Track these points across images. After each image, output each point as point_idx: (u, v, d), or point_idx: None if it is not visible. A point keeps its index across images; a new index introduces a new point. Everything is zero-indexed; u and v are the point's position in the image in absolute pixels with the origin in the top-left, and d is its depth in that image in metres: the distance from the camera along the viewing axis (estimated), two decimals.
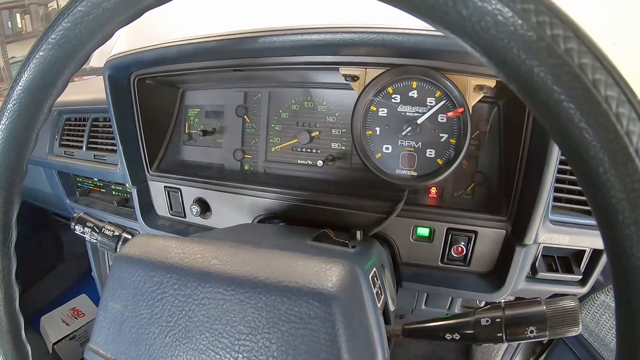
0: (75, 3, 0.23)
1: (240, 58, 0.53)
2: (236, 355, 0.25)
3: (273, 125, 0.63)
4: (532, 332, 0.31)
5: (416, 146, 0.47)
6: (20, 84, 0.25)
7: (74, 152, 0.83)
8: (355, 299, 0.26)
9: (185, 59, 0.56)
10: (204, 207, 0.62)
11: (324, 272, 0.26)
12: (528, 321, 0.31)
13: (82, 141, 0.81)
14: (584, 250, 0.51)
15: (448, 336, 0.33)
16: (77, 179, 0.92)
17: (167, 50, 0.55)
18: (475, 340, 0.33)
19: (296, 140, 0.60)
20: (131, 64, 0.59)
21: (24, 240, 1.33)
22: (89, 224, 0.46)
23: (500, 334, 0.32)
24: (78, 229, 0.47)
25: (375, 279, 0.35)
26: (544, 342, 0.89)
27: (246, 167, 0.66)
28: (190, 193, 0.64)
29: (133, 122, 0.65)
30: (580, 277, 0.52)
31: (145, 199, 0.69)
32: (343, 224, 0.54)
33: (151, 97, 0.65)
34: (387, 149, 0.48)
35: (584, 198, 0.49)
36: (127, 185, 0.70)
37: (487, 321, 0.32)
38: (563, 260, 0.54)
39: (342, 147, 0.59)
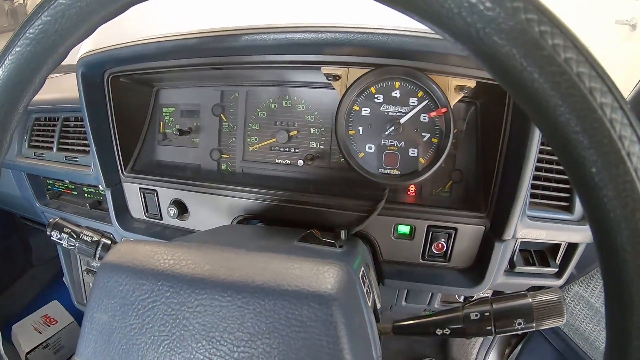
0: None
1: (220, 56, 0.51)
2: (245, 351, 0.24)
3: (250, 125, 0.61)
4: (519, 324, 0.31)
5: (399, 145, 0.47)
6: None
7: (44, 154, 0.79)
8: (353, 299, 0.25)
9: (163, 56, 0.54)
10: (181, 209, 0.60)
11: (322, 274, 0.25)
12: (515, 314, 0.31)
13: (52, 142, 0.77)
14: (560, 244, 0.52)
15: (438, 331, 0.33)
16: (47, 181, 0.87)
17: (145, 47, 0.52)
18: (465, 334, 0.33)
19: (274, 139, 0.58)
20: (106, 61, 0.56)
21: None
22: (66, 230, 0.43)
23: (490, 327, 0.32)
24: (54, 235, 0.44)
25: (364, 277, 0.35)
26: (520, 333, 0.91)
27: (223, 167, 0.63)
28: (166, 194, 0.61)
29: (107, 122, 0.62)
30: (557, 269, 0.53)
31: (119, 201, 0.66)
32: (324, 223, 0.53)
33: (125, 96, 0.62)
34: (370, 148, 0.47)
35: (559, 194, 0.50)
36: (101, 188, 0.67)
37: (476, 315, 0.32)
38: (539, 254, 0.55)
39: (321, 146, 0.58)
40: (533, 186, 0.48)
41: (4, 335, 1.29)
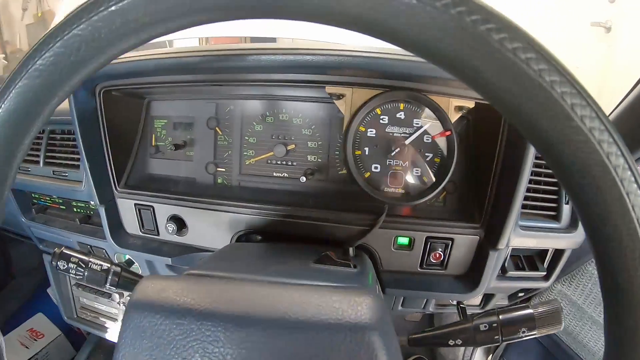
0: (72, 26, 0.20)
1: (222, 73, 0.51)
2: None
3: (247, 138, 0.61)
4: (523, 332, 0.33)
5: (403, 165, 0.48)
6: None
7: (29, 168, 0.76)
8: (388, 327, 0.26)
9: (162, 72, 0.53)
10: (180, 225, 0.59)
11: (360, 304, 0.26)
12: (520, 323, 0.33)
13: (38, 155, 0.74)
14: (547, 250, 0.55)
15: (451, 342, 0.35)
16: (33, 195, 0.84)
17: (143, 63, 0.51)
18: (475, 343, 0.35)
19: (272, 153, 0.58)
20: (99, 75, 0.55)
21: None
22: (73, 260, 0.42)
23: (497, 336, 0.34)
24: (61, 265, 0.42)
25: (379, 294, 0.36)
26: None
27: (219, 181, 0.63)
28: (163, 210, 0.60)
29: (99, 137, 0.60)
30: (545, 273, 0.56)
31: (113, 217, 0.65)
32: (324, 237, 0.53)
33: (117, 109, 0.61)
34: (375, 168, 0.48)
35: (548, 204, 0.52)
36: (92, 204, 0.65)
37: (485, 326, 0.34)
38: (528, 259, 0.57)
39: (319, 160, 0.58)
40: (524, 197, 0.50)
41: None
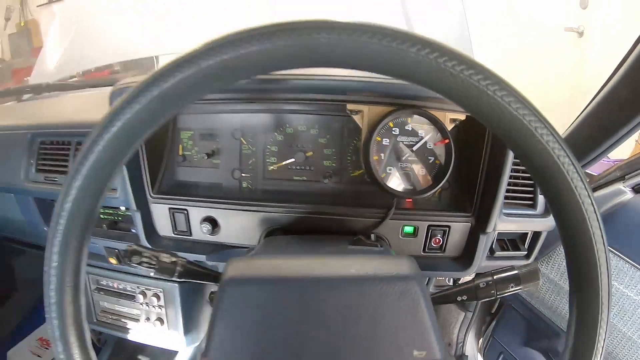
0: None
1: (256, 92, 0.62)
2: (364, 327, 0.36)
3: (269, 147, 0.72)
4: (512, 287, 0.45)
5: (412, 167, 0.60)
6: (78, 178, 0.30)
7: (56, 178, 0.84)
8: (420, 277, 0.38)
9: None
10: (214, 225, 0.70)
11: (403, 264, 0.38)
12: (509, 281, 0.45)
13: (66, 166, 0.83)
14: (527, 233, 0.68)
15: (458, 298, 0.47)
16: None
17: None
18: (477, 298, 0.47)
19: (293, 159, 0.70)
20: None
21: None
22: (145, 254, 0.51)
23: (493, 291, 0.46)
24: (135, 260, 0.51)
25: None
26: (494, 311, 1.09)
27: (244, 185, 0.74)
28: (197, 213, 0.70)
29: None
30: (526, 252, 0.69)
31: (147, 221, 0.74)
32: (343, 230, 0.65)
33: None
34: (389, 170, 0.61)
35: (525, 195, 0.66)
36: (122, 209, 0.74)
37: (483, 284, 0.46)
38: (511, 242, 0.71)
39: (333, 164, 0.70)
40: (506, 190, 0.64)
41: None
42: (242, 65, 0.29)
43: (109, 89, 1.19)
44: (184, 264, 0.53)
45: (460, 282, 0.63)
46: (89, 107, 1.04)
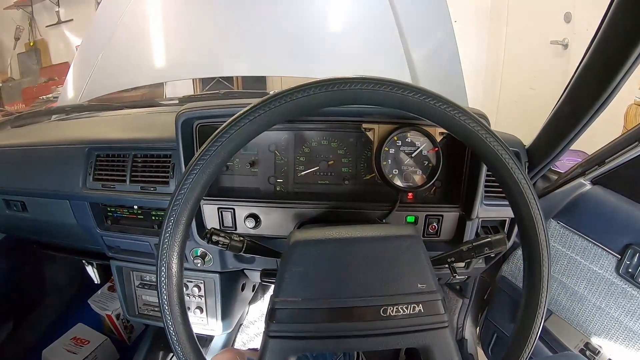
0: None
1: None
2: (381, 270, 0.59)
3: (298, 157, 0.96)
4: (486, 249, 0.68)
5: (411, 169, 0.86)
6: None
7: (114, 185, 1.07)
8: (420, 237, 0.62)
9: None
10: (256, 220, 0.94)
11: (407, 228, 0.63)
12: (484, 245, 0.68)
13: (124, 175, 1.05)
14: (505, 220, 0.94)
15: (449, 260, 0.71)
16: (108, 209, 1.16)
17: (231, 110, 0.86)
18: (462, 259, 0.70)
19: (318, 167, 0.95)
20: (199, 117, 0.89)
21: (8, 276, 1.49)
22: (221, 234, 0.75)
23: (473, 253, 0.69)
24: (214, 238, 0.74)
25: None
26: (486, 297, 1.33)
27: (278, 189, 0.98)
28: (242, 211, 0.94)
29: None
30: (504, 236, 0.94)
31: (198, 219, 0.98)
32: (360, 220, 0.90)
33: (205, 138, 0.95)
34: (395, 171, 0.86)
35: (498, 189, 0.91)
36: None
37: (465, 249, 0.70)
38: (493, 228, 0.96)
39: (350, 170, 0.95)
40: (486, 187, 0.89)
41: None
42: (309, 104, 0.55)
43: (140, 111, 1.45)
44: (249, 242, 0.77)
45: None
46: (133, 127, 1.28)
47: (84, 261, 1.55)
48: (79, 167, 1.11)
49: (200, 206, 0.96)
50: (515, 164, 0.54)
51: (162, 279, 0.57)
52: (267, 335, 0.59)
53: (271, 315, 0.60)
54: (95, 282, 1.61)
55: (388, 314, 0.58)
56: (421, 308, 0.59)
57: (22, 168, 1.24)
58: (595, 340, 1.15)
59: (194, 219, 0.96)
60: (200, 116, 0.90)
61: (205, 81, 2.20)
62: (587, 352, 1.13)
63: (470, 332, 1.35)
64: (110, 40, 1.67)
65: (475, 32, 2.71)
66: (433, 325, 0.59)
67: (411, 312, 0.59)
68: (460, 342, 1.36)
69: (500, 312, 1.21)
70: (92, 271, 1.57)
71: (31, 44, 4.15)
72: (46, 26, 4.30)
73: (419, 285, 0.60)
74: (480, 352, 1.36)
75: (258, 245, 0.77)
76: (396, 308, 0.58)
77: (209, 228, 0.76)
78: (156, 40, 1.64)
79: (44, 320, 1.64)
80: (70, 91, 1.71)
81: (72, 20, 4.26)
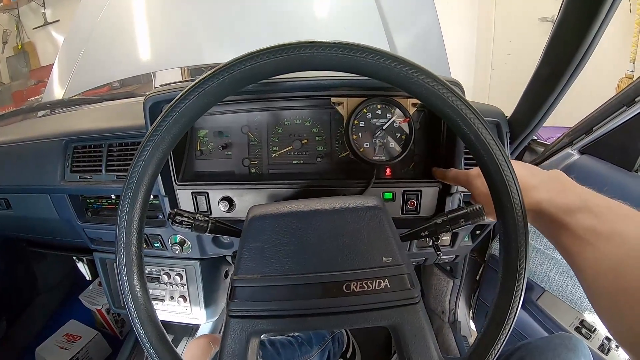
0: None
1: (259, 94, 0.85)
2: (342, 243, 0.57)
3: (272, 138, 0.94)
4: (461, 222, 0.65)
5: (383, 141, 0.83)
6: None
7: (91, 176, 1.06)
8: (385, 208, 0.59)
9: None
10: (230, 203, 0.91)
11: (371, 199, 0.59)
12: (460, 217, 0.65)
13: (99, 165, 1.04)
14: None
15: (422, 234, 0.68)
16: (88, 200, 1.14)
17: None
18: (435, 233, 0.66)
19: (291, 147, 0.92)
20: (167, 99, 0.86)
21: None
22: (185, 215, 0.72)
23: (448, 226, 0.65)
24: (177, 220, 0.72)
25: None
26: (478, 277, 1.30)
27: (252, 171, 0.96)
28: (215, 194, 0.91)
29: None
30: (482, 206, 0.90)
31: (173, 205, 0.96)
32: None
33: None
34: (366, 145, 0.83)
35: None
36: (151, 198, 0.95)
37: (440, 221, 0.66)
38: None
39: (325, 149, 0.92)
40: (466, 158, 0.86)
41: None
42: (258, 72, 0.52)
43: (118, 102, 1.44)
44: (214, 222, 0.74)
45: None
46: (108, 117, 1.27)
47: (74, 257, 1.54)
48: (57, 160, 1.10)
49: (174, 192, 0.94)
50: (480, 120, 0.51)
51: (121, 259, 0.55)
52: (228, 315, 0.57)
53: (231, 293, 0.57)
54: (87, 279, 1.60)
55: (352, 289, 0.56)
56: (387, 283, 0.56)
57: (3, 165, 1.23)
58: (590, 318, 1.12)
59: (168, 205, 0.96)
60: (168, 99, 0.87)
61: (194, 72, 2.19)
62: (583, 330, 1.10)
63: (463, 313, 1.32)
64: (92, 34, 1.66)
65: (465, 12, 2.66)
66: (401, 302, 0.56)
67: (376, 287, 0.56)
68: (453, 325, 1.33)
69: (492, 292, 1.18)
70: (82, 267, 1.56)
71: (19, 47, 4.16)
72: (33, 28, 4.31)
73: (384, 259, 0.58)
74: (475, 333, 1.33)
75: (223, 225, 0.75)
76: (360, 283, 0.56)
77: (172, 210, 0.73)
78: (138, 32, 1.62)
79: (37, 319, 1.63)
80: (55, 87, 1.69)
81: (58, 20, 4.25)
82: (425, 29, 1.41)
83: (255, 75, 0.53)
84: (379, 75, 0.52)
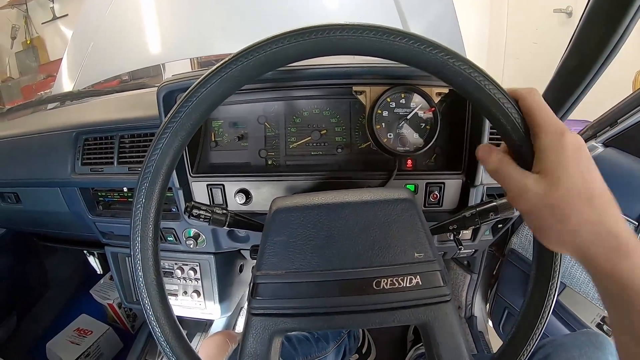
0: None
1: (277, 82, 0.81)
2: (372, 238, 0.54)
3: (289, 128, 0.90)
4: (491, 215, 0.62)
5: (407, 132, 0.80)
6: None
7: (102, 168, 1.03)
8: (416, 201, 0.56)
9: None
10: (247, 195, 0.88)
11: (403, 191, 0.57)
12: (489, 210, 0.63)
13: (111, 157, 1.02)
14: None
15: (450, 227, 0.65)
16: (99, 193, 1.11)
17: None
18: (464, 227, 0.64)
19: (310, 137, 0.89)
20: (181, 88, 0.83)
21: (10, 271, 1.47)
22: (202, 208, 0.69)
23: (477, 219, 0.63)
24: (195, 213, 0.69)
25: None
26: (495, 272, 1.27)
27: (269, 162, 0.92)
28: (232, 186, 0.88)
29: None
30: None
31: (187, 197, 0.93)
32: None
33: None
34: (389, 135, 0.80)
35: None
36: (172, 188, 0.93)
37: (469, 215, 0.64)
38: (500, 196, 0.89)
39: (344, 139, 0.89)
40: None
41: (37, 357, 1.48)
42: (284, 55, 0.49)
43: (129, 93, 1.41)
44: (233, 215, 0.71)
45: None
46: (119, 108, 1.24)
47: (85, 251, 1.52)
48: (68, 153, 1.08)
49: (189, 184, 0.91)
50: (517, 111, 0.48)
51: (137, 253, 0.52)
52: (250, 313, 0.54)
53: (253, 290, 0.55)
54: (98, 273, 1.58)
55: (382, 287, 0.53)
56: (419, 280, 0.54)
57: (12, 159, 1.21)
58: None
59: (183, 198, 0.93)
60: (182, 87, 0.84)
61: (204, 64, 2.16)
62: (605, 327, 1.07)
63: (479, 308, 1.29)
64: (100, 26, 1.64)
65: (477, 2, 2.60)
66: (432, 300, 0.53)
67: (407, 284, 0.53)
68: (470, 320, 1.30)
69: (511, 287, 1.15)
70: (94, 261, 1.54)
71: (28, 42, 4.15)
72: (42, 23, 4.29)
73: (416, 255, 0.55)
74: (491, 329, 1.30)
75: (242, 219, 0.72)
76: (391, 280, 0.53)
77: (189, 203, 0.70)
78: (147, 23, 1.59)
79: (48, 313, 1.62)
80: (64, 81, 1.67)
81: (67, 15, 4.22)
82: (440, 14, 1.37)
83: (281, 59, 0.50)
84: (413, 61, 0.48)
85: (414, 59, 0.47)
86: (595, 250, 0.39)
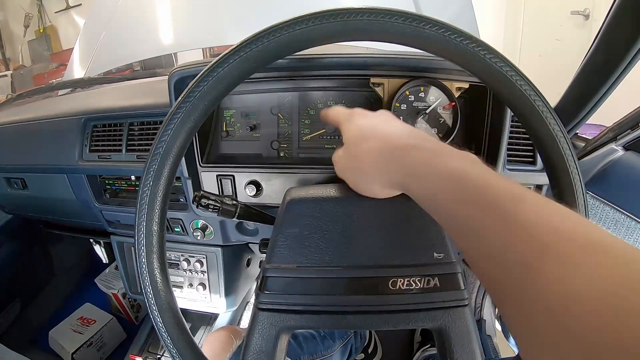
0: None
1: (294, 70, 0.79)
2: (390, 235, 0.51)
3: (303, 120, 0.88)
4: None
5: (424, 127, 0.77)
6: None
7: (111, 156, 1.01)
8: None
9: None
10: (257, 187, 0.86)
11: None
12: None
13: (119, 145, 1.00)
14: (531, 187, 0.84)
15: None
16: (107, 181, 1.10)
17: None
18: None
19: (324, 130, 0.86)
20: (193, 74, 0.81)
21: (15, 257, 1.46)
22: (211, 198, 0.67)
23: None
24: (203, 202, 0.66)
25: None
26: None
27: (282, 154, 0.90)
28: (242, 178, 0.86)
29: None
30: None
31: (197, 188, 0.91)
32: None
33: None
34: None
35: (526, 153, 0.81)
36: (181, 177, 0.91)
37: None
38: None
39: None
40: (509, 149, 0.79)
41: (40, 344, 1.47)
42: (307, 37, 0.46)
43: (140, 81, 1.39)
44: (243, 207, 0.69)
45: None
46: (129, 95, 1.22)
47: (91, 240, 1.51)
48: (75, 139, 1.06)
49: (198, 174, 0.89)
50: (552, 115, 0.45)
51: (141, 241, 0.49)
52: (257, 308, 0.52)
53: (262, 284, 0.52)
54: (104, 262, 1.56)
55: (398, 287, 0.50)
56: (437, 282, 0.51)
57: (20, 144, 1.20)
58: None
59: (191, 188, 0.91)
60: (194, 74, 0.80)
61: (216, 55, 2.14)
62: None
63: (489, 312, 1.26)
64: (114, 14, 1.62)
65: (493, 4, 2.56)
66: (450, 303, 0.51)
67: (425, 285, 0.51)
68: (479, 323, 1.27)
69: None
70: (99, 250, 1.53)
71: (41, 30, 4.16)
72: (55, 12, 4.30)
73: (436, 255, 0.52)
74: (499, 333, 1.27)
75: (253, 210, 0.69)
76: (408, 280, 0.51)
77: (198, 192, 0.68)
78: (160, 12, 1.57)
79: (52, 301, 1.61)
80: (75, 68, 1.66)
81: (80, 5, 4.23)
82: (458, 12, 1.34)
83: (303, 41, 0.47)
84: (442, 51, 0.46)
85: (445, 50, 0.45)
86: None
